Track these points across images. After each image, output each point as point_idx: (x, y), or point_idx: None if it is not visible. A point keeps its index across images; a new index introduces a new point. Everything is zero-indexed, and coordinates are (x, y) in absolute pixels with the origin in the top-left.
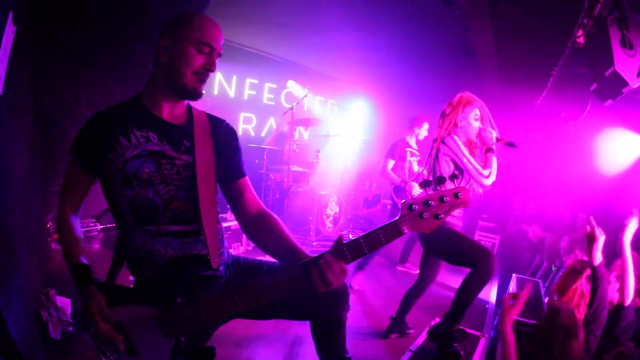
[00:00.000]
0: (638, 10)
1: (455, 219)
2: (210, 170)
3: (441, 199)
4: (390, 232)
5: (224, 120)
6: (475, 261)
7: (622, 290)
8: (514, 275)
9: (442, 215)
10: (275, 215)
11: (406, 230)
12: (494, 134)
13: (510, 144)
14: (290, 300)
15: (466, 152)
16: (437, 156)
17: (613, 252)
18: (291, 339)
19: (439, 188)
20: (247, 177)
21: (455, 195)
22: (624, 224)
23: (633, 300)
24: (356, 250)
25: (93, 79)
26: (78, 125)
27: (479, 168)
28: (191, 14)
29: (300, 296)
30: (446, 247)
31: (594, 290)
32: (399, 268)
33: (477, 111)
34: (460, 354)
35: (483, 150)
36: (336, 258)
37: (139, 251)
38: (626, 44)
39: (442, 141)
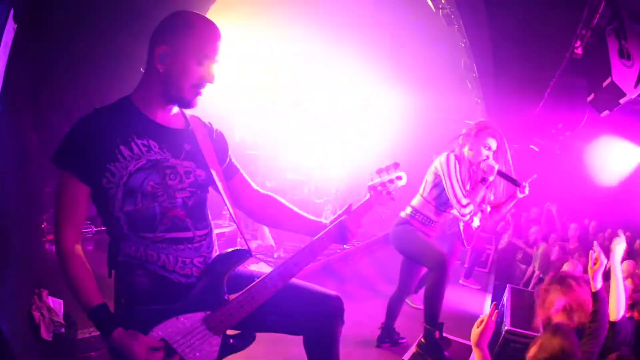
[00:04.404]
0: (637, 20)
1: (426, 227)
2: (219, 175)
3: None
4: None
5: (210, 122)
6: (430, 263)
7: (611, 306)
8: (508, 285)
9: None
10: (275, 195)
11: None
12: (496, 167)
13: (511, 180)
14: (284, 313)
15: (454, 176)
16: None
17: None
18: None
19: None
20: (240, 169)
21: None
22: (611, 248)
23: (624, 316)
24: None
25: (91, 80)
26: None
27: (460, 196)
28: (190, 17)
29: (294, 310)
30: (408, 246)
31: (595, 313)
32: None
33: (491, 141)
34: None
35: (478, 179)
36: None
37: (131, 258)
38: (624, 55)
39: (442, 155)
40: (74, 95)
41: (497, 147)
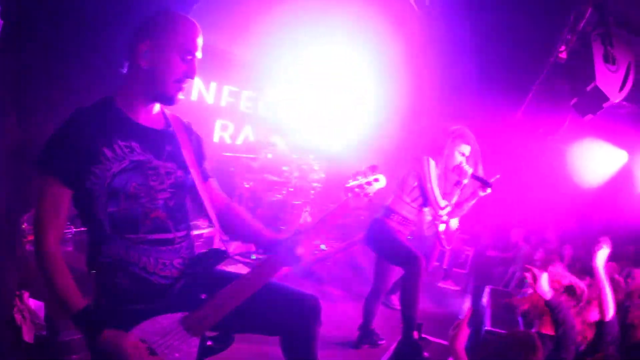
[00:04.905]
0: (623, 26)
1: (402, 227)
2: (198, 175)
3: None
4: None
5: (189, 122)
6: (404, 263)
7: (600, 307)
8: (487, 287)
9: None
10: (239, 206)
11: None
12: (470, 171)
13: (483, 182)
14: (261, 314)
15: (434, 179)
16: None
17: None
18: None
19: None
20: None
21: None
22: (594, 251)
23: (614, 316)
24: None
25: (80, 78)
26: None
27: (438, 198)
28: (173, 15)
29: (271, 311)
30: (383, 246)
31: (555, 320)
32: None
33: (465, 148)
34: None
35: (453, 182)
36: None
37: (112, 259)
38: (609, 60)
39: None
40: (59, 92)
41: (471, 152)
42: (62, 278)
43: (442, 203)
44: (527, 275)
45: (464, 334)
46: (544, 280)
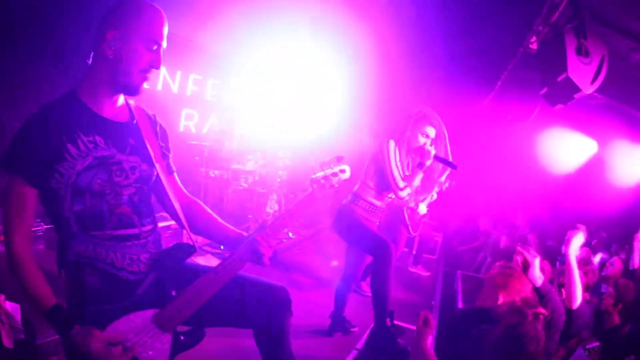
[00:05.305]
0: (597, 19)
1: (369, 213)
2: (163, 169)
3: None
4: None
5: (154, 114)
6: (373, 250)
7: (568, 295)
8: (458, 272)
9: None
10: (200, 202)
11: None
12: (433, 152)
13: (448, 164)
14: (231, 308)
15: (392, 161)
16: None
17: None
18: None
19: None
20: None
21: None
22: (568, 238)
23: (583, 303)
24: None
25: (40, 72)
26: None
27: (398, 179)
28: (140, 3)
29: (241, 304)
30: (351, 233)
31: (545, 305)
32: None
33: (429, 129)
34: (408, 350)
35: (415, 163)
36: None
37: (81, 257)
38: (582, 52)
39: (382, 141)
40: (23, 89)
41: (436, 134)
42: (32, 277)
43: (401, 184)
44: (518, 258)
45: (431, 332)
46: (537, 265)
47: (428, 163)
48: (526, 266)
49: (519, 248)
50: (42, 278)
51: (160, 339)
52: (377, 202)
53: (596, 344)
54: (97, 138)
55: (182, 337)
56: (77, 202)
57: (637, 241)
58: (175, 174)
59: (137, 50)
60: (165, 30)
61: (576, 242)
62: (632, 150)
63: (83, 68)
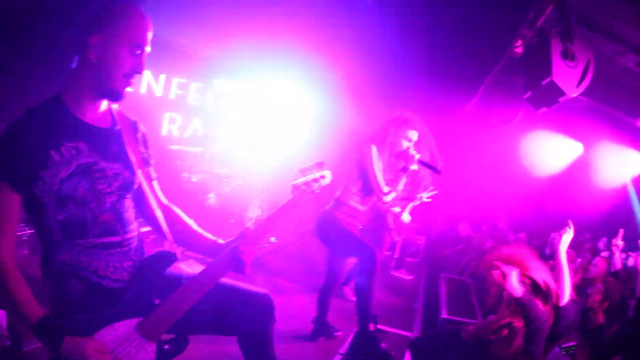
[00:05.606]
0: (584, 23)
1: (351, 218)
2: (144, 176)
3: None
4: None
5: (136, 120)
6: (357, 255)
7: (557, 292)
8: (442, 275)
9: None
10: (178, 210)
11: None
12: (416, 157)
13: (432, 168)
14: (215, 315)
15: (375, 165)
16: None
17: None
18: None
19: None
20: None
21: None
22: (559, 234)
23: (570, 300)
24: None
25: (24, 74)
26: None
27: (381, 184)
28: (125, 8)
29: (224, 312)
30: (334, 239)
31: (526, 316)
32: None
33: (412, 133)
34: (391, 355)
35: (399, 168)
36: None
37: (65, 265)
38: (567, 56)
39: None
40: (6, 90)
41: (419, 137)
42: (17, 289)
43: (385, 189)
44: (495, 273)
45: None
46: (514, 278)
47: (413, 167)
48: (504, 278)
49: (495, 263)
50: (27, 290)
51: (145, 348)
52: (361, 207)
53: (573, 343)
54: (80, 144)
55: (166, 346)
56: (61, 210)
57: (619, 242)
58: (155, 181)
59: (120, 55)
60: (150, 34)
61: (566, 239)
62: (617, 153)
63: (67, 72)
